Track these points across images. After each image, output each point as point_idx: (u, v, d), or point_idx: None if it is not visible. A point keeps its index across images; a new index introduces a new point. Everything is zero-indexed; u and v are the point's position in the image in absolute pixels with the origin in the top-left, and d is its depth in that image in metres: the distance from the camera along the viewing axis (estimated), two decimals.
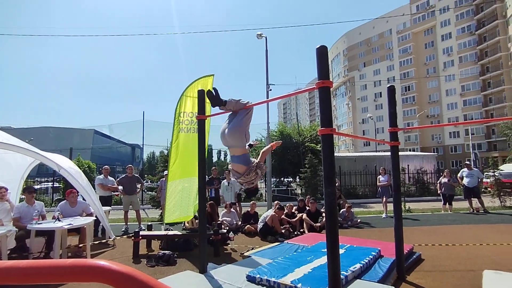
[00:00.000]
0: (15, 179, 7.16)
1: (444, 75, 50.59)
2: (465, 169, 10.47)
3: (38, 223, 4.98)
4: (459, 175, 10.70)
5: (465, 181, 10.23)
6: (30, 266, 0.76)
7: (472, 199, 10.18)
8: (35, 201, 5.75)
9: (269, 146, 4.03)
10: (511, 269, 4.05)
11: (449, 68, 50.43)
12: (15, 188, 7.12)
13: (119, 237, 6.58)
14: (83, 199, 6.11)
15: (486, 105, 45.99)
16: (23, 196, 6.04)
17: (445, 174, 10.71)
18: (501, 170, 13.67)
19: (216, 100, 3.49)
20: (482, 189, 12.96)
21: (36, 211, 5.28)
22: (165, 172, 7.69)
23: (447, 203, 10.34)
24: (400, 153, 4.59)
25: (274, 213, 6.99)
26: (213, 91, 3.56)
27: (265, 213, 7.35)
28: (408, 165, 16.67)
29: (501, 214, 9.65)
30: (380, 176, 10.11)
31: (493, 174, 12.06)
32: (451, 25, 50.55)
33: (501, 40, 43.44)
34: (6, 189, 5.98)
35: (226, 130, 3.45)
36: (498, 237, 6.28)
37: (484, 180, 14.07)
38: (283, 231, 6.92)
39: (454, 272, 4.27)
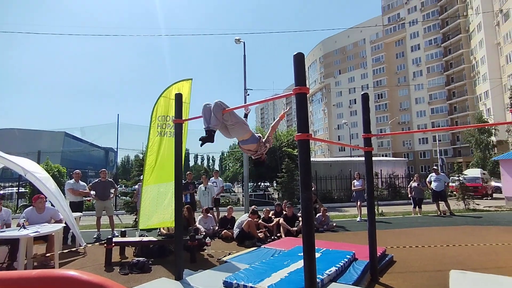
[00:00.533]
0: None
1: (413, 84, 53.22)
2: (433, 174, 10.99)
3: (1, 231, 4.67)
4: (427, 179, 11.20)
5: (433, 185, 10.73)
6: None
7: (439, 202, 10.69)
8: (3, 208, 5.40)
9: (278, 119, 4.21)
10: (474, 269, 4.29)
11: (418, 77, 53.13)
12: None
13: (90, 245, 6.29)
14: (52, 205, 5.81)
15: (452, 113, 48.74)
16: None
17: (415, 178, 11.18)
18: (465, 174, 14.50)
19: (209, 138, 3.50)
20: (448, 193, 13.65)
21: None
22: (141, 177, 7.48)
23: (417, 206, 10.78)
24: (373, 158, 4.74)
25: (250, 219, 6.95)
26: (201, 140, 3.52)
27: (240, 219, 7.26)
28: (381, 170, 17.22)
29: (466, 216, 10.21)
30: (354, 180, 10.38)
31: (458, 178, 12.75)
32: (420, 37, 53.43)
33: (465, 53, 46.35)
34: None
35: (230, 133, 3.72)
36: (463, 239, 6.63)
37: (450, 184, 14.85)
38: (260, 235, 6.91)
39: (423, 272, 4.46)
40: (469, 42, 45.81)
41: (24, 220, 5.04)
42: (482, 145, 30.03)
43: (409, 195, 11.23)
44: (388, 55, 57.15)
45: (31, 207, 5.59)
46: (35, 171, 5.65)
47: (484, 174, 21.21)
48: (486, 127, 29.40)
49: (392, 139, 54.52)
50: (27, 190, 13.88)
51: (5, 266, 4.88)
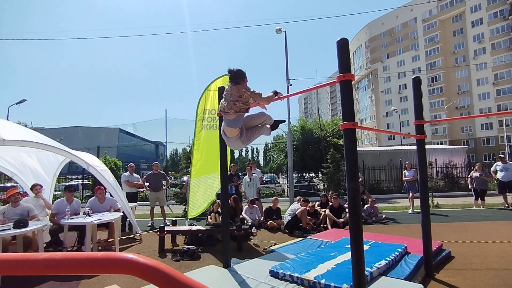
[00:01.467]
0: (48, 176, 7.58)
1: (475, 63, 47.91)
2: (499, 163, 9.92)
3: (71, 218, 5.25)
4: (492, 169, 10.15)
5: (500, 175, 9.70)
6: (65, 258, 0.81)
7: (507, 194, 9.65)
8: (74, 199, 6.06)
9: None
10: None
11: (480, 56, 47.69)
12: (49, 185, 7.53)
13: (145, 232, 6.80)
14: (111, 195, 6.37)
15: None
16: (56, 193, 6.37)
17: (476, 168, 10.22)
18: None
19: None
20: None
21: (68, 207, 5.56)
22: (190, 169, 7.84)
23: (479, 199, 9.87)
24: (427, 146, 4.41)
25: (304, 207, 7.01)
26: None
27: (293, 206, 7.37)
28: (436, 159, 16.03)
29: None
30: (405, 170, 9.81)
31: None
32: (482, 10, 47.66)
33: None
34: (41, 186, 6.35)
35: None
36: None
37: None
38: (307, 226, 6.93)
39: (487, 270, 4.08)
40: None
41: (89, 209, 5.61)
42: None
43: (470, 186, 10.31)
44: (443, 33, 52.11)
45: (94, 197, 6.19)
46: (95, 165, 6.21)
47: None
48: None
49: (449, 126, 50.04)
50: (90, 182, 15.38)
51: (75, 249, 5.50)
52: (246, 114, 3.29)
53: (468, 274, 3.98)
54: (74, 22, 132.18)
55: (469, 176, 10.74)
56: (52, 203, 6.25)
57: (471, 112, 47.81)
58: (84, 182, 16.25)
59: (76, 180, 18.52)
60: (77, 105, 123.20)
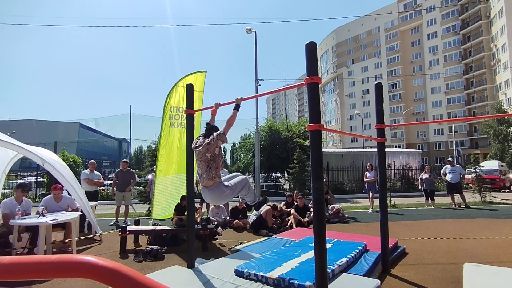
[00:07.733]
0: None
1: (429, 73, 51.66)
2: (448, 166, 10.75)
3: (22, 219, 4.85)
4: (442, 171, 10.98)
5: (448, 177, 10.50)
6: (14, 262, 0.74)
7: (454, 194, 10.49)
8: (24, 199, 5.58)
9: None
10: (490, 262, 4.21)
11: (434, 66, 51.51)
12: None
13: (106, 232, 6.48)
14: (69, 193, 5.98)
15: (469, 103, 47.25)
16: (5, 191, 5.86)
17: (426, 170, 10.99)
18: (482, 166, 14.12)
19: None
20: (464, 185, 13.36)
21: (18, 207, 5.13)
22: (154, 167, 7.58)
23: (429, 198, 10.61)
24: (386, 149, 4.66)
25: (269, 207, 7.06)
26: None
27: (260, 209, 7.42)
28: (394, 161, 16.99)
29: (481, 209, 9.98)
30: (366, 172, 10.28)
31: (474, 170, 12.44)
32: (437, 24, 51.54)
33: (485, 40, 44.55)
34: None
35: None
36: (478, 231, 6.51)
37: (466, 176, 14.52)
38: (274, 225, 7.01)
39: (436, 265, 4.41)
40: (490, 28, 43.95)
41: (43, 208, 5.22)
42: (501, 136, 29.10)
43: (420, 187, 11.06)
44: (403, 43, 55.50)
45: (50, 195, 5.77)
46: (52, 160, 5.80)
47: (502, 166, 20.63)
48: (506, 117, 28.39)
49: (406, 130, 53.39)
50: (45, 180, 14.33)
51: (26, 252, 5.10)
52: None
53: (420, 268, 4.28)
54: (42, 11, 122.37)
55: (419, 177, 11.52)
56: (0, 203, 5.73)
57: (426, 118, 51.39)
58: (38, 180, 15.09)
59: (29, 178, 17.12)
60: (32, 97, 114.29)
